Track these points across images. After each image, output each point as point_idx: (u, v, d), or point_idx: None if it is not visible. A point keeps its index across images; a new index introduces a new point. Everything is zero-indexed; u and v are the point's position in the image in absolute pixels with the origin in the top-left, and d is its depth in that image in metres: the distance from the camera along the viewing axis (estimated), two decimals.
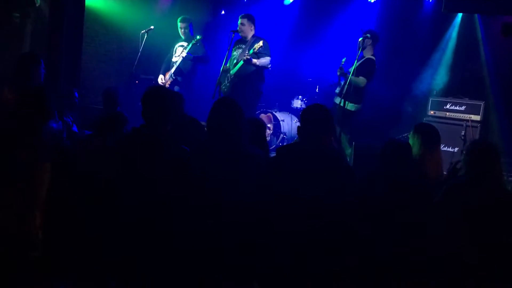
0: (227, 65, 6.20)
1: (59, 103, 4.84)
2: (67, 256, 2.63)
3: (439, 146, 3.67)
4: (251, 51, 5.96)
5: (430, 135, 3.54)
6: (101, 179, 3.02)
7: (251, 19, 6.19)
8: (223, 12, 8.59)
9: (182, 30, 6.83)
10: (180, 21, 6.84)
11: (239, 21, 6.18)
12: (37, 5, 5.85)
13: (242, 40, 6.28)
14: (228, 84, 6.22)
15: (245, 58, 5.91)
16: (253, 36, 6.20)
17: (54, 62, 5.27)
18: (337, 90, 6.18)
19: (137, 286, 2.76)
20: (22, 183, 2.18)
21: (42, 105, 2.56)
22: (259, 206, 2.79)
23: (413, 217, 2.84)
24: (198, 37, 6.66)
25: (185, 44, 6.78)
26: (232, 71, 6.16)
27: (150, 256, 2.80)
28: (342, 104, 5.75)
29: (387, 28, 7.16)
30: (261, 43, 5.98)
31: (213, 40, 7.63)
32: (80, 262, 2.72)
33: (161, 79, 6.76)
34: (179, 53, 6.73)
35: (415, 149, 3.46)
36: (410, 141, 3.53)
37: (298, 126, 2.90)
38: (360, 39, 5.92)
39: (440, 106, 6.67)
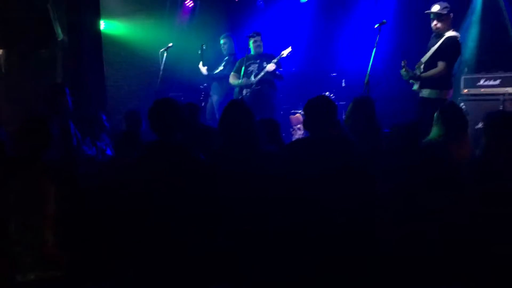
0: (242, 80, 6.44)
1: (89, 129, 5.05)
2: (89, 270, 2.69)
3: (466, 129, 3.50)
4: (278, 57, 6.31)
5: (455, 122, 3.39)
6: (125, 195, 3.09)
7: (261, 36, 6.59)
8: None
9: (224, 46, 7.11)
10: (221, 38, 7.14)
11: (256, 38, 6.49)
12: (59, 39, 6.08)
13: (254, 56, 6.56)
14: (248, 94, 6.42)
15: (272, 66, 6.26)
16: (264, 52, 6.56)
17: (79, 89, 5.46)
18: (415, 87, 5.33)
19: None
20: (23, 207, 2.26)
21: (40, 132, 2.64)
22: (277, 200, 2.77)
23: (436, 200, 2.72)
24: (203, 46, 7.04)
25: (226, 58, 7.12)
26: (253, 81, 6.44)
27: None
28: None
29: (408, 10, 6.97)
30: (289, 48, 6.30)
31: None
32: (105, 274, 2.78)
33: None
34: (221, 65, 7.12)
35: (441, 133, 3.34)
36: (435, 126, 3.41)
37: (304, 120, 2.86)
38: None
39: (473, 83, 6.38)
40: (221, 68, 7.06)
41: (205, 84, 7.26)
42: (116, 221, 3.02)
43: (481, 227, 2.65)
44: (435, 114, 3.50)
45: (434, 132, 3.40)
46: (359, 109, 3.62)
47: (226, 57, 7.09)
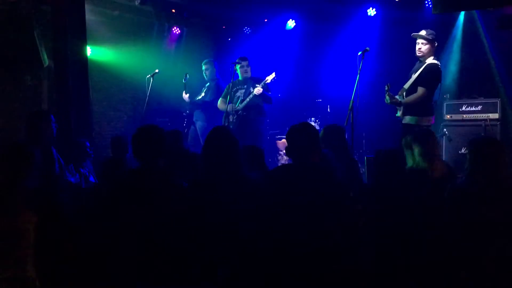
0: (231, 104, 6.44)
1: (73, 156, 5.02)
2: None
3: (437, 148, 3.56)
4: (262, 83, 6.30)
5: (427, 144, 3.44)
6: (107, 222, 3.06)
7: (248, 60, 6.61)
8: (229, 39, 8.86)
9: (205, 72, 7.16)
10: (204, 64, 7.19)
11: (242, 63, 6.53)
12: (45, 65, 6.09)
13: (241, 81, 6.60)
14: (234, 120, 6.44)
15: (259, 90, 6.21)
16: (251, 77, 6.58)
17: (64, 115, 5.44)
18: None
19: None
20: (2, 236, 2.22)
21: (21, 159, 2.62)
22: (256, 227, 2.77)
23: (417, 226, 2.74)
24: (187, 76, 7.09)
25: (207, 84, 7.16)
26: (240, 106, 6.45)
27: None
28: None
29: (390, 39, 7.13)
30: (273, 74, 6.29)
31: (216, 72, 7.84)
32: None
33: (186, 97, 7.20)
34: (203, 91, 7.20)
35: (416, 159, 3.38)
36: (406, 151, 3.46)
37: (286, 147, 2.88)
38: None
39: (455, 109, 6.51)
40: (202, 94, 7.10)
41: (188, 111, 7.25)
42: (98, 249, 2.99)
43: (464, 250, 2.67)
44: (404, 140, 3.56)
45: (408, 157, 3.45)
46: (328, 136, 3.76)
47: (208, 83, 7.14)
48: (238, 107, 6.43)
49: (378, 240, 2.66)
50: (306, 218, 2.59)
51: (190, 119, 7.18)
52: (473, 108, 6.35)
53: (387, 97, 5.25)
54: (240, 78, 6.60)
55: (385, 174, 2.76)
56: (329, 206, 2.58)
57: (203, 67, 7.13)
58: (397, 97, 5.29)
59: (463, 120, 6.40)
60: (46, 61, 6.10)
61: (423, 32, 5.22)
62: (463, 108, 6.44)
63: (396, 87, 5.46)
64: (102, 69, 7.43)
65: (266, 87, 6.35)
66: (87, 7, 6.08)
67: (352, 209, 2.71)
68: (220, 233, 2.79)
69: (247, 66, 6.56)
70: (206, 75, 7.15)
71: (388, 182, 2.74)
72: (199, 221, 2.86)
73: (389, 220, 2.72)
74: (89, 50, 6.80)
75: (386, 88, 5.21)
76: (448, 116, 6.54)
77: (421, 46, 5.23)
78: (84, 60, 5.73)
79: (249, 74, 6.60)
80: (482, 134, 6.05)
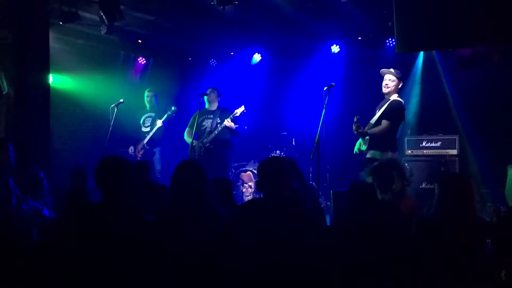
0: (197, 141, 6.40)
1: (30, 187, 4.81)
2: None
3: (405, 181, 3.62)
4: (231, 116, 6.28)
5: (383, 179, 3.49)
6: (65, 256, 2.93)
7: (218, 90, 6.64)
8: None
9: (148, 99, 7.21)
10: (148, 91, 7.22)
11: (210, 93, 6.50)
12: (4, 92, 5.89)
13: (208, 111, 6.57)
14: (202, 153, 6.37)
15: (230, 124, 6.21)
16: (218, 106, 6.56)
17: (22, 144, 5.25)
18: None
19: None
20: None
21: None
22: (226, 263, 2.70)
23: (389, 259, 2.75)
24: (173, 108, 7.03)
25: (152, 114, 7.12)
26: (207, 140, 6.39)
27: None
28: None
29: (354, 75, 7.33)
30: (242, 107, 6.30)
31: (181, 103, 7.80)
32: None
33: (131, 150, 7.12)
34: (149, 123, 7.09)
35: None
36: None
37: (256, 181, 2.86)
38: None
39: (416, 145, 6.69)
40: (148, 128, 7.10)
41: (139, 157, 7.17)
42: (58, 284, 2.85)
43: (433, 279, 2.70)
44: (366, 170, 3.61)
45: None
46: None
47: (152, 114, 7.14)
48: (205, 141, 6.38)
49: (354, 275, 2.65)
50: (278, 253, 2.56)
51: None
52: (433, 144, 6.55)
53: (355, 128, 5.34)
54: (206, 106, 6.57)
55: (361, 207, 2.76)
56: (301, 240, 2.55)
57: (148, 94, 7.17)
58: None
59: (423, 156, 6.58)
60: (5, 88, 5.91)
61: (391, 70, 5.42)
62: (424, 144, 6.63)
63: (361, 122, 5.57)
64: (65, 97, 7.27)
65: (235, 120, 6.33)
66: (51, 34, 5.98)
67: (325, 244, 2.69)
68: (187, 267, 2.71)
69: (215, 96, 6.54)
70: (150, 103, 7.17)
71: (366, 215, 2.75)
72: (165, 255, 2.78)
73: (365, 254, 2.71)
74: (50, 78, 6.65)
75: (355, 120, 5.31)
76: (409, 151, 6.70)
77: (388, 83, 5.42)
78: (46, 88, 5.59)
79: (216, 104, 6.57)
80: (442, 169, 6.22)
